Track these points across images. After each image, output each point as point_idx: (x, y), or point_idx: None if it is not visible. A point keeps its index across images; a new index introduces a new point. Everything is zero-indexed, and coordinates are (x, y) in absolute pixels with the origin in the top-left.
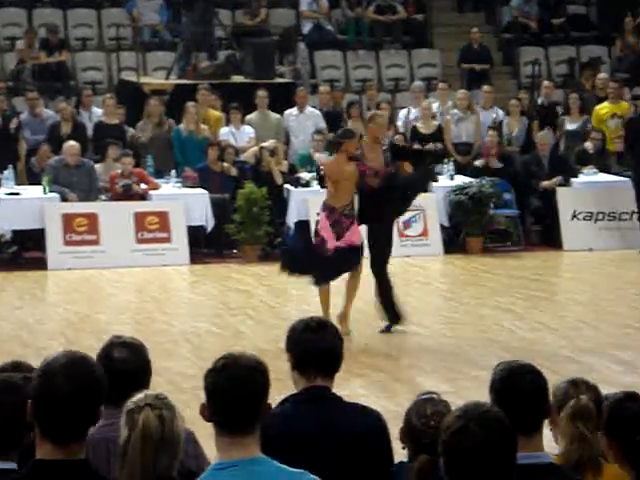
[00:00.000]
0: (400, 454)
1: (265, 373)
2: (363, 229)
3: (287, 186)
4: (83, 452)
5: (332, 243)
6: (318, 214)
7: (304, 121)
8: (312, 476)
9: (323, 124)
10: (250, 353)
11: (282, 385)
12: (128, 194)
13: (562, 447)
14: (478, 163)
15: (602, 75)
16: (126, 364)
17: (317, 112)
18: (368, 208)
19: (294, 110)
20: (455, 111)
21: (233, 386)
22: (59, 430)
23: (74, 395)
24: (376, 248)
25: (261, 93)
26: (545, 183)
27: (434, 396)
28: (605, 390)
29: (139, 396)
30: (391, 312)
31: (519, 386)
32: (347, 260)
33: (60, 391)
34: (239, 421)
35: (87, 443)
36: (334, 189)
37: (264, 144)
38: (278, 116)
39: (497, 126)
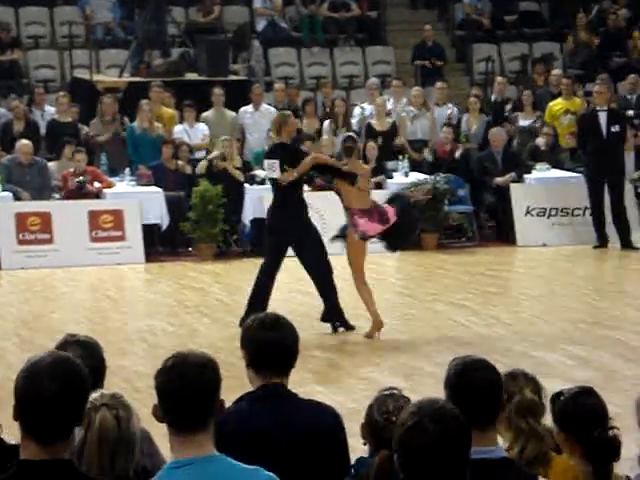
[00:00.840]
0: (360, 450)
1: (215, 370)
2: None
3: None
4: (68, 452)
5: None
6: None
7: (259, 119)
8: (267, 472)
9: None
10: (199, 351)
11: (238, 383)
12: (82, 192)
13: (511, 443)
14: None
15: (556, 71)
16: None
17: (272, 109)
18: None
19: (249, 107)
20: (410, 108)
21: (183, 384)
22: (44, 430)
23: (59, 395)
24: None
25: (217, 91)
26: (499, 179)
27: (395, 392)
28: (558, 385)
29: (95, 396)
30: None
31: (473, 381)
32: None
33: (45, 391)
34: (191, 419)
35: None
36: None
37: (211, 156)
38: (234, 114)
39: (452, 123)
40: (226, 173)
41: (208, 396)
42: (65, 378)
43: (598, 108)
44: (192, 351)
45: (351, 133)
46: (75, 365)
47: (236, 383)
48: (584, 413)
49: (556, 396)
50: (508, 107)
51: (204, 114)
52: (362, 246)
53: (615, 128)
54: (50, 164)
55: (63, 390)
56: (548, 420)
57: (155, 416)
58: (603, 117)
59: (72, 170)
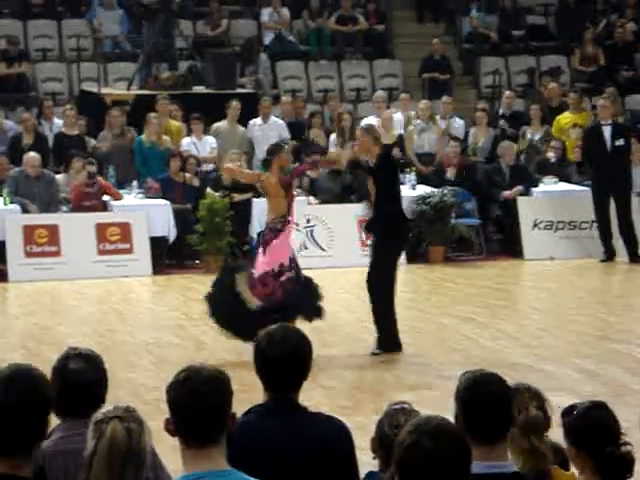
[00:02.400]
0: (367, 464)
1: (227, 383)
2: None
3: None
4: (29, 469)
5: (258, 268)
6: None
7: (268, 131)
8: None
9: (287, 134)
10: (211, 364)
11: (245, 396)
12: (92, 183)
13: (515, 461)
14: (449, 175)
15: (552, 85)
16: (82, 376)
17: (281, 122)
18: None
19: (258, 120)
20: (418, 121)
21: (196, 398)
22: (2, 442)
23: (14, 407)
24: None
25: (235, 104)
26: (506, 193)
27: (406, 406)
28: (566, 399)
29: (108, 408)
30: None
31: (484, 395)
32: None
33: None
34: (204, 433)
35: (44, 456)
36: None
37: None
38: (243, 128)
39: (457, 136)
40: (234, 186)
41: (221, 409)
42: (21, 390)
43: (602, 122)
44: (203, 364)
45: (277, 142)
46: (33, 377)
47: (243, 396)
48: (596, 429)
49: (568, 411)
50: (501, 122)
51: (216, 125)
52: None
53: (620, 142)
54: (58, 177)
55: (19, 403)
56: (557, 434)
57: (167, 430)
58: (607, 131)
59: (82, 181)
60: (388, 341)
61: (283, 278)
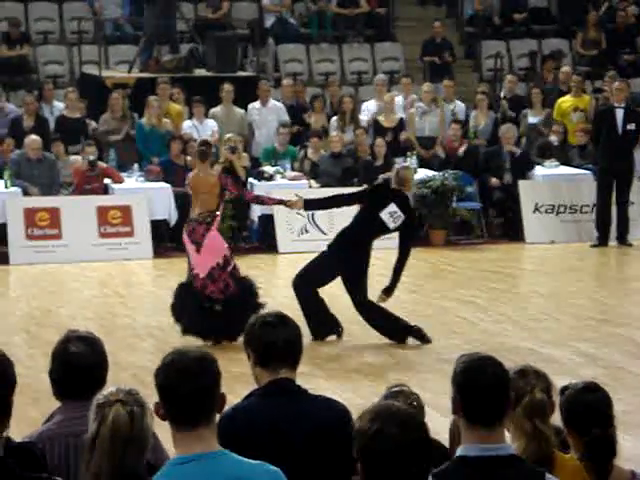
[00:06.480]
0: None
1: (214, 363)
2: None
3: (251, 180)
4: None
5: (199, 267)
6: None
7: (267, 115)
8: (271, 467)
9: (286, 117)
10: (196, 347)
11: (246, 379)
12: (93, 170)
13: (518, 444)
14: (450, 158)
15: (565, 69)
16: (83, 358)
17: (280, 105)
18: None
19: (257, 104)
20: (420, 104)
21: (183, 379)
22: None
23: None
24: None
25: (227, 87)
26: (507, 176)
27: (405, 388)
28: (566, 382)
29: (111, 390)
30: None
31: (481, 378)
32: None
33: None
34: (194, 414)
35: (44, 438)
36: (193, 199)
37: (228, 143)
38: (242, 111)
39: (460, 120)
40: (233, 169)
41: (209, 390)
42: None
43: (616, 105)
44: (189, 347)
45: (207, 138)
46: None
47: (244, 379)
48: (585, 411)
49: (562, 390)
50: (502, 103)
51: (212, 110)
52: None
53: (631, 126)
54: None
55: None
56: (558, 416)
57: (157, 414)
58: (620, 114)
59: (84, 164)
60: (327, 324)
61: (229, 268)
